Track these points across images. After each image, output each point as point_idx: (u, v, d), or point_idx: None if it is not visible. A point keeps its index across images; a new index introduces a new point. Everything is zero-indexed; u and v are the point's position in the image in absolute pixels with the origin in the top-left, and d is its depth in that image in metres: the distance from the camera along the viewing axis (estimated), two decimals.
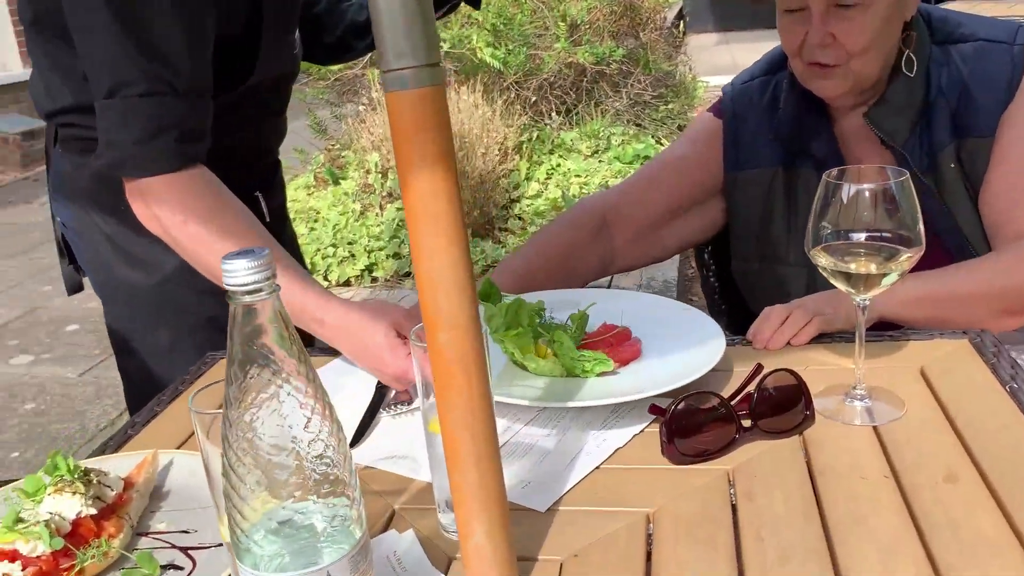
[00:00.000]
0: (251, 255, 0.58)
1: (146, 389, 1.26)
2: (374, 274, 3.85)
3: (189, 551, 0.81)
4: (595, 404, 0.98)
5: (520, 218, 4.16)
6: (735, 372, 1.07)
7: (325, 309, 1.10)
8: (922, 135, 1.30)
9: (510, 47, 4.76)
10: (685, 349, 1.07)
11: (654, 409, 0.96)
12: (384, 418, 1.06)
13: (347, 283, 3.82)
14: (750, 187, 1.45)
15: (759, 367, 0.99)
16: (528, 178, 4.45)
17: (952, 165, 1.28)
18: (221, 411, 0.60)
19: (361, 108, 4.79)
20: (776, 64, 1.46)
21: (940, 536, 0.75)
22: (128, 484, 0.88)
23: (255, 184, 1.44)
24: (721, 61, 8.27)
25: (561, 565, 0.77)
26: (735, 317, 1.64)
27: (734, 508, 0.83)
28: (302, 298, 1.10)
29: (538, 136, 4.79)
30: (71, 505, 0.80)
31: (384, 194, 4.21)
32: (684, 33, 7.31)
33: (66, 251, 1.43)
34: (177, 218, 1.13)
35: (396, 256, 3.88)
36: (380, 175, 4.26)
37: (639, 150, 4.75)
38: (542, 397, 1.01)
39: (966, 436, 0.90)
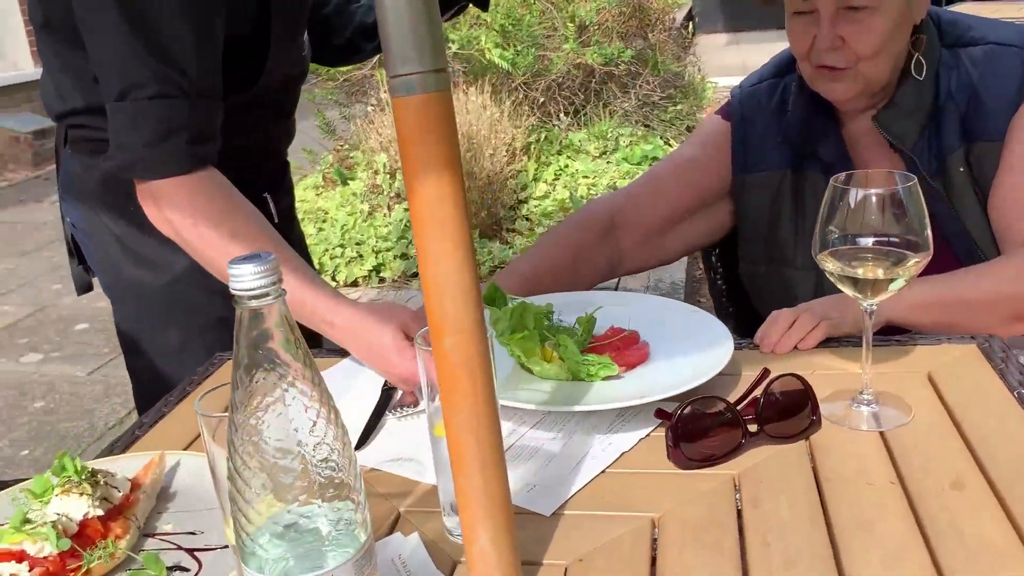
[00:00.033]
0: (257, 260, 0.58)
1: (155, 390, 1.26)
2: (381, 275, 3.86)
3: (195, 552, 0.82)
4: (601, 408, 0.98)
5: (528, 219, 4.15)
6: (742, 376, 1.07)
7: (335, 311, 1.11)
8: (931, 139, 1.30)
9: (519, 48, 4.76)
10: (693, 353, 1.07)
11: (660, 413, 0.96)
12: (390, 420, 1.06)
13: (355, 283, 3.82)
14: (758, 190, 1.44)
15: (765, 372, 0.99)
16: (536, 179, 4.45)
17: (961, 169, 1.28)
18: (227, 415, 0.61)
19: (370, 109, 4.80)
20: (784, 67, 1.45)
21: (946, 543, 0.75)
22: (135, 485, 0.88)
23: (264, 185, 1.44)
24: (731, 62, 8.25)
25: (566, 570, 0.77)
26: (742, 320, 1.64)
27: (740, 513, 0.82)
28: (312, 300, 1.10)
29: (546, 137, 4.79)
30: (78, 506, 0.81)
31: (392, 195, 4.22)
32: (694, 34, 7.30)
33: (76, 251, 1.44)
34: (188, 220, 1.14)
35: (403, 257, 3.88)
36: (388, 176, 4.26)
37: (647, 151, 4.74)
38: (548, 401, 1.01)
39: (973, 442, 0.89)
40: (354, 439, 1.01)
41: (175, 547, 0.83)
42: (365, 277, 3.84)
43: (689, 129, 5.25)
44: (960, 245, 1.29)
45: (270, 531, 0.61)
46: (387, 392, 1.11)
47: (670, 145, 4.97)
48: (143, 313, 1.39)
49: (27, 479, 0.89)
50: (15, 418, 3.10)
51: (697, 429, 0.91)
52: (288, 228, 1.54)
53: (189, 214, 1.14)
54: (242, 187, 1.19)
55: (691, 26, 7.44)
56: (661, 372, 1.05)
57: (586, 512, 0.85)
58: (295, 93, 1.46)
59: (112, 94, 1.11)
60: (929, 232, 0.90)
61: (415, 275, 3.80)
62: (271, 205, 1.45)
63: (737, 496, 0.85)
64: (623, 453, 0.94)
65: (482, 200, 3.99)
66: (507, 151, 4.29)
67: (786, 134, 1.41)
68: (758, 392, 0.95)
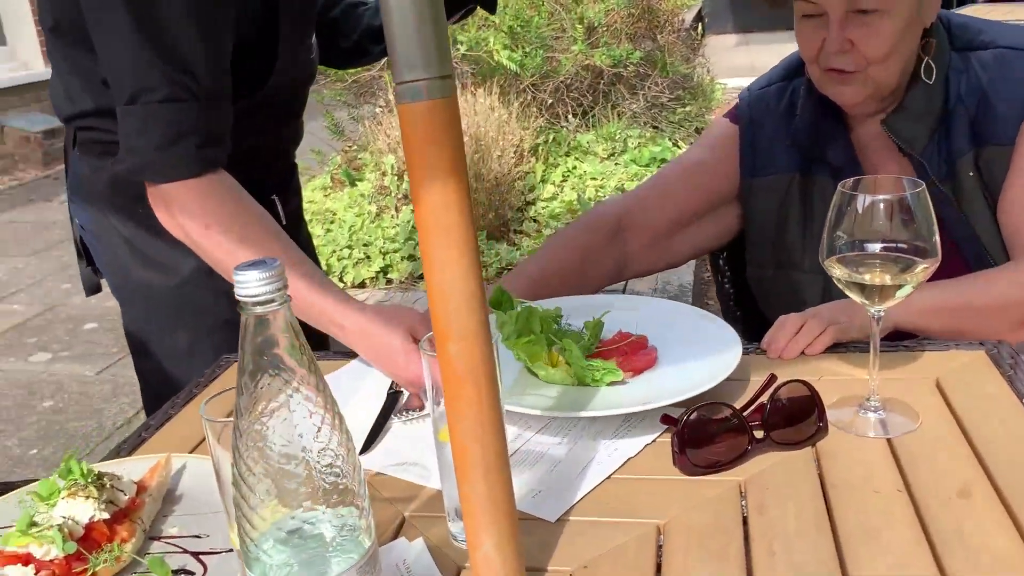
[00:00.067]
0: (263, 266, 0.58)
1: (164, 391, 1.27)
2: (389, 276, 3.86)
3: (200, 556, 0.82)
4: (606, 414, 0.98)
5: (535, 220, 4.15)
6: (749, 381, 1.07)
7: (344, 314, 1.11)
8: (940, 143, 1.29)
9: (527, 49, 4.77)
10: (700, 358, 1.06)
11: (666, 419, 0.96)
12: (395, 424, 1.06)
13: (362, 285, 3.83)
14: (766, 193, 1.44)
15: (772, 377, 0.98)
16: (544, 180, 4.45)
17: (971, 173, 1.27)
18: (232, 419, 0.61)
19: (378, 110, 4.80)
20: (793, 70, 1.45)
21: (953, 551, 0.75)
22: (141, 488, 0.88)
23: (272, 187, 1.45)
24: (740, 63, 8.23)
25: None
26: (750, 324, 1.64)
27: (745, 520, 0.82)
28: (322, 303, 1.11)
29: (554, 138, 4.79)
30: (84, 509, 0.81)
31: (400, 196, 4.22)
32: (703, 35, 7.28)
33: (84, 253, 1.44)
34: (199, 224, 1.14)
35: (411, 258, 3.89)
36: (396, 177, 4.27)
37: (656, 153, 4.73)
38: (553, 406, 1.00)
39: (981, 450, 0.89)
40: (360, 442, 1.01)
41: (180, 551, 0.83)
42: (372, 278, 3.85)
43: (698, 131, 5.24)
44: (969, 250, 1.28)
45: (274, 536, 0.61)
46: (393, 395, 1.11)
47: (679, 147, 4.96)
48: (152, 315, 1.39)
49: (35, 480, 0.89)
50: (24, 417, 3.11)
51: (703, 435, 0.91)
52: (296, 229, 1.54)
53: (200, 217, 1.14)
54: (251, 189, 1.19)
55: (700, 27, 7.42)
56: (668, 377, 1.05)
57: (591, 518, 0.85)
58: (303, 95, 1.46)
59: (122, 98, 1.12)
60: (937, 238, 0.90)
61: (422, 277, 3.78)
62: (279, 207, 1.45)
63: (743, 503, 0.85)
64: (629, 459, 0.94)
65: (490, 202, 3.99)
66: (515, 152, 4.29)
67: (795, 138, 1.40)
68: (764, 398, 0.95)
